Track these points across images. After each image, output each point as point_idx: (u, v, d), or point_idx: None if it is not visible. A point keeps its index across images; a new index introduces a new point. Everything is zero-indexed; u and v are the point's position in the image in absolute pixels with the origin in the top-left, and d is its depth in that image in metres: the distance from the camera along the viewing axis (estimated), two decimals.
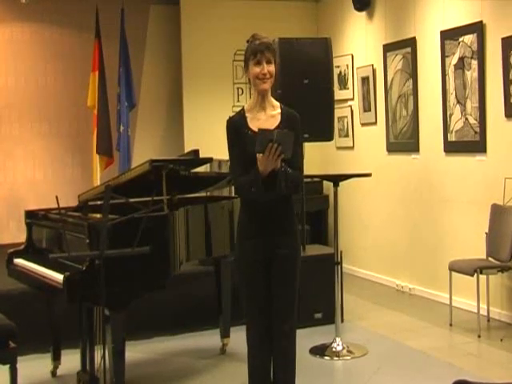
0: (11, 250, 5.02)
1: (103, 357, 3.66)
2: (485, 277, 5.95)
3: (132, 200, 3.94)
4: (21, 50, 8.49)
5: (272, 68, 3.63)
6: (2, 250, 5.27)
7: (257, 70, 3.61)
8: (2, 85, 8.43)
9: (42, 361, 5.15)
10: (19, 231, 6.76)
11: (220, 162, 6.86)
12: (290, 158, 3.50)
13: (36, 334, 5.20)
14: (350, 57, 8.37)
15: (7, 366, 4.07)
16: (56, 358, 5.06)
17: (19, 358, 4.11)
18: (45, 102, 8.57)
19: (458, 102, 6.54)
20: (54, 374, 5.07)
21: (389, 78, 7.61)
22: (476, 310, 5.81)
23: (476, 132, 6.33)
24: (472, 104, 6.36)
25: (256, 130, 3.54)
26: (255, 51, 3.60)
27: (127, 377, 4.20)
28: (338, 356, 5.37)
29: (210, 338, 5.73)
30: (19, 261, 4.88)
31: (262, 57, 3.60)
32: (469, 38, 6.35)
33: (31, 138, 8.57)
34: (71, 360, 4.97)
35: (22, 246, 5.04)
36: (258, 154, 3.44)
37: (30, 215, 5.07)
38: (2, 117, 8.43)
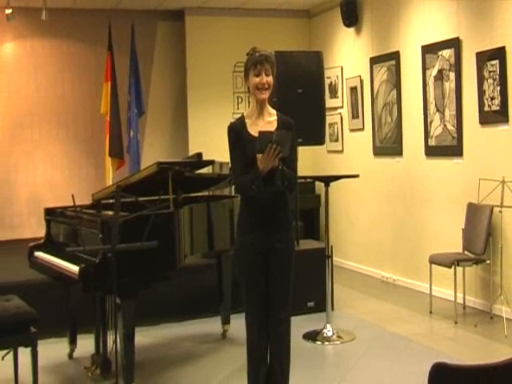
0: (32, 244, 5.02)
1: (115, 341, 3.67)
2: (461, 269, 5.96)
3: (141, 199, 3.94)
4: (41, 62, 8.48)
5: (270, 79, 3.62)
6: (24, 244, 5.27)
7: (256, 80, 3.60)
8: (24, 94, 8.42)
9: (59, 344, 5.14)
10: (39, 227, 6.75)
11: (221, 164, 6.85)
12: (286, 160, 3.51)
13: (54, 320, 5.20)
14: (340, 68, 8.36)
15: (29, 349, 4.08)
16: (72, 342, 5.06)
17: (39, 342, 4.12)
18: (62, 110, 8.57)
19: (438, 110, 6.54)
20: (70, 356, 5.07)
21: (375, 88, 7.61)
22: (453, 299, 5.83)
23: (454, 137, 6.33)
24: (450, 112, 6.36)
25: (254, 134, 3.55)
26: (255, 62, 3.59)
27: (137, 359, 4.21)
28: (329, 341, 5.37)
29: (211, 325, 5.73)
30: (39, 254, 4.88)
31: (261, 68, 3.59)
32: (447, 52, 6.36)
33: (50, 141, 8.56)
34: (86, 344, 4.97)
35: (42, 241, 5.03)
36: (258, 154, 3.44)
37: (49, 212, 5.06)
38: (23, 123, 8.43)
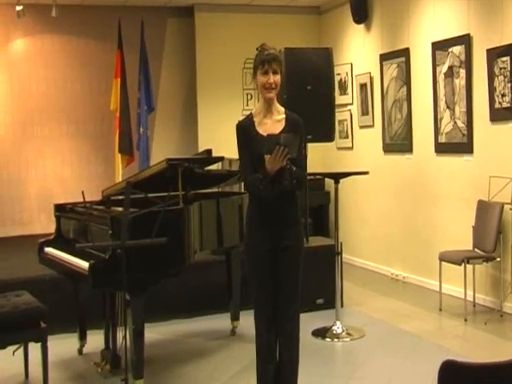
0: (42, 240, 5.05)
1: (124, 337, 3.67)
2: (471, 266, 5.93)
3: (151, 195, 3.95)
4: (51, 59, 8.51)
5: (278, 78, 3.61)
6: (34, 239, 5.29)
7: (264, 79, 3.59)
8: (34, 91, 8.45)
9: (69, 340, 5.17)
10: (49, 223, 6.77)
11: (231, 160, 6.84)
12: (295, 159, 3.50)
13: (64, 316, 5.22)
14: (350, 65, 8.34)
15: (39, 344, 4.11)
16: (82, 338, 5.09)
17: (49, 337, 4.15)
18: (72, 106, 8.59)
19: (448, 107, 6.52)
20: (80, 351, 5.10)
21: (385, 85, 7.59)
22: (463, 297, 5.81)
23: (464, 134, 6.31)
24: (460, 109, 6.34)
25: (263, 133, 3.55)
26: (263, 62, 3.59)
27: (146, 355, 4.22)
28: (338, 338, 5.37)
29: (221, 321, 5.73)
30: (49, 249, 4.90)
31: (269, 67, 3.58)
32: (457, 49, 6.33)
33: (60, 138, 8.59)
34: (96, 339, 4.99)
35: (52, 236, 5.05)
36: (265, 155, 3.44)
37: (59, 208, 5.09)
38: (34, 119, 8.46)
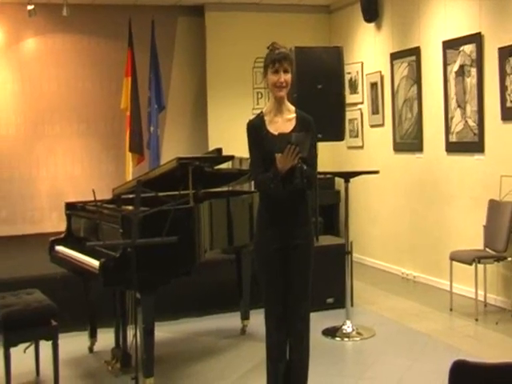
0: (53, 238, 5.06)
1: (135, 335, 3.68)
2: (482, 266, 5.91)
3: (161, 194, 3.95)
4: (62, 58, 8.54)
5: (288, 77, 3.61)
6: (45, 238, 5.31)
7: (274, 78, 3.59)
8: (45, 89, 8.49)
9: (80, 338, 5.18)
10: (60, 221, 6.81)
11: (241, 159, 6.85)
12: (305, 158, 3.50)
13: (75, 314, 5.24)
14: (360, 64, 8.33)
15: (50, 342, 4.13)
16: (93, 336, 5.11)
17: (60, 335, 4.17)
18: (83, 105, 8.62)
19: (459, 106, 6.49)
20: (91, 349, 5.12)
21: (395, 84, 7.57)
22: (474, 296, 5.79)
23: (475, 133, 6.28)
24: (471, 108, 6.31)
25: (273, 131, 3.55)
26: (274, 60, 3.58)
27: (156, 353, 4.23)
28: (348, 337, 5.36)
29: (231, 320, 5.74)
30: (60, 248, 4.92)
31: (280, 66, 3.58)
32: (468, 48, 6.31)
33: (71, 137, 8.62)
34: (106, 338, 5.00)
35: (63, 235, 5.07)
36: (276, 154, 3.44)
37: (70, 207, 5.10)
38: (45, 118, 8.50)
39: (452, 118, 6.60)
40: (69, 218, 5.08)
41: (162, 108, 8.39)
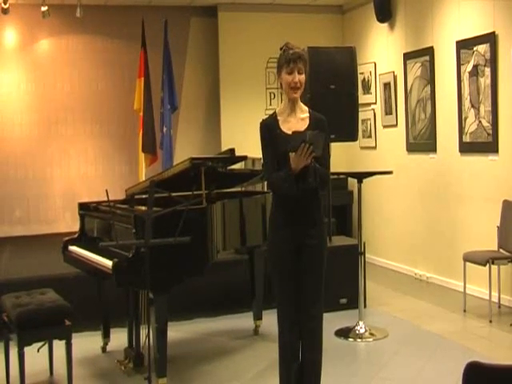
0: (66, 238, 5.09)
1: (148, 335, 3.69)
2: (496, 267, 5.87)
3: (174, 194, 3.96)
4: (76, 58, 8.58)
5: (303, 77, 3.60)
6: (59, 238, 5.34)
7: (289, 78, 3.58)
8: (59, 90, 8.54)
9: (93, 338, 5.20)
10: (73, 221, 6.84)
11: (254, 159, 6.86)
12: (319, 158, 3.49)
13: (88, 314, 5.25)
14: (373, 64, 8.31)
15: (63, 342, 4.14)
16: (106, 336, 5.12)
17: (73, 335, 4.18)
18: (96, 106, 8.66)
19: (473, 106, 6.46)
20: (103, 349, 5.13)
21: (408, 84, 7.55)
22: (488, 298, 5.76)
23: (489, 134, 6.25)
24: (485, 108, 6.28)
25: (287, 131, 3.55)
26: (288, 60, 3.57)
27: (169, 353, 4.25)
28: (361, 338, 5.35)
29: (244, 320, 5.74)
30: (73, 248, 4.94)
31: (294, 66, 3.56)
32: (482, 48, 6.27)
33: (84, 137, 8.66)
34: (119, 338, 5.02)
35: (76, 235, 5.10)
36: (290, 153, 3.43)
37: (83, 207, 5.12)
38: (58, 118, 8.54)
39: (466, 119, 6.56)
40: (82, 218, 5.11)
41: (175, 108, 8.40)
